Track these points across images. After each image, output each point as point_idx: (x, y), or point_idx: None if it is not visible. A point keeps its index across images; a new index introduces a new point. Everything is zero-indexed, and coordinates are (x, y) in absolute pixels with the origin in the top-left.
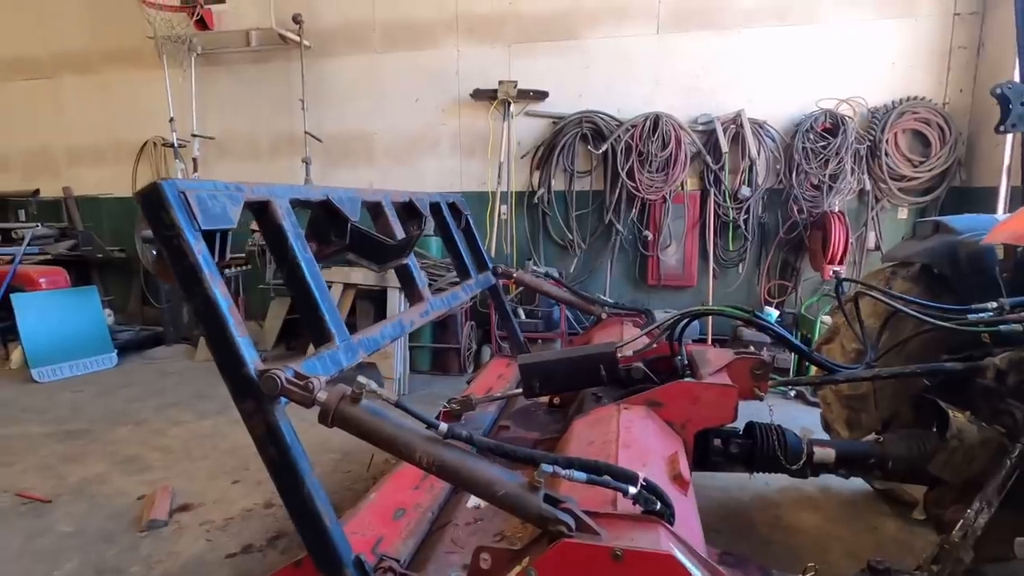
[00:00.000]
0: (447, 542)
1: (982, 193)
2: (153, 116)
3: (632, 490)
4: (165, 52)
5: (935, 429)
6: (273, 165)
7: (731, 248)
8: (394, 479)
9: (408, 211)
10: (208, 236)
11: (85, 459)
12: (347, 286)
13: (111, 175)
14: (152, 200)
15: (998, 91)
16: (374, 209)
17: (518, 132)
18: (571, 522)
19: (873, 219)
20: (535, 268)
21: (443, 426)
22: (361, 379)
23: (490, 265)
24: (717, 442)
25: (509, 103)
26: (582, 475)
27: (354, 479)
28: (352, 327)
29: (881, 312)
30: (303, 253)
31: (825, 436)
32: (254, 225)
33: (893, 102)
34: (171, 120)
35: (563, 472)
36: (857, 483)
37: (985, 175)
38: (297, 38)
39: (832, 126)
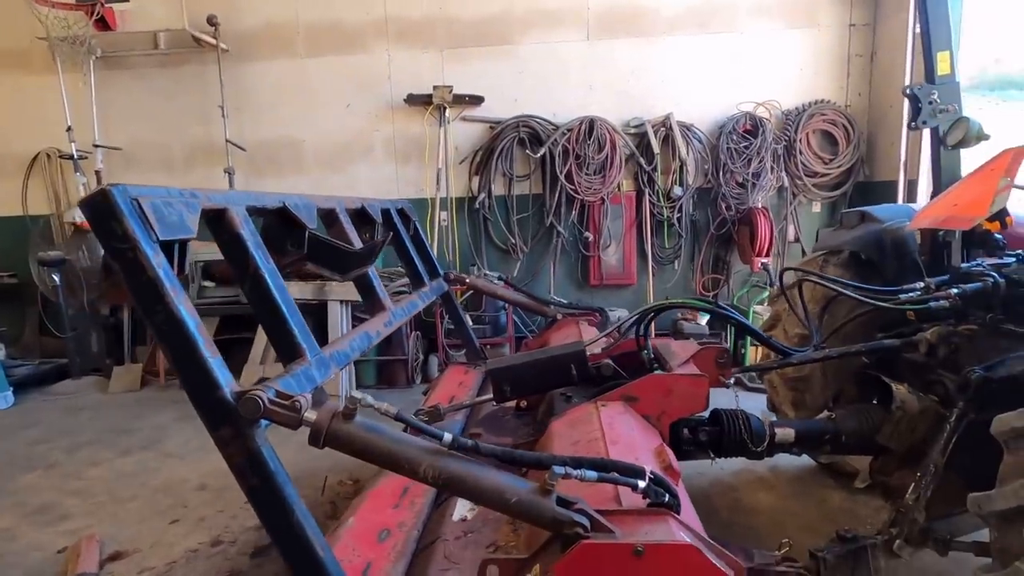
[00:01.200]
0: (440, 559)
1: (883, 187)
2: (46, 125)
3: (642, 484)
4: (59, 55)
5: (876, 403)
6: (190, 176)
7: (667, 246)
8: (371, 498)
9: (361, 218)
10: (166, 248)
11: None
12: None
13: None
14: (100, 209)
15: (908, 91)
16: (328, 216)
17: (455, 137)
18: (586, 523)
19: (792, 213)
20: (487, 273)
21: (447, 436)
22: (356, 393)
23: (441, 272)
24: (686, 431)
25: (445, 108)
26: (593, 474)
27: (310, 504)
28: None
29: (819, 297)
30: (265, 264)
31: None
32: None
33: (803, 105)
34: (69, 130)
35: (575, 472)
36: (803, 460)
37: (884, 170)
38: (213, 41)
39: (752, 127)
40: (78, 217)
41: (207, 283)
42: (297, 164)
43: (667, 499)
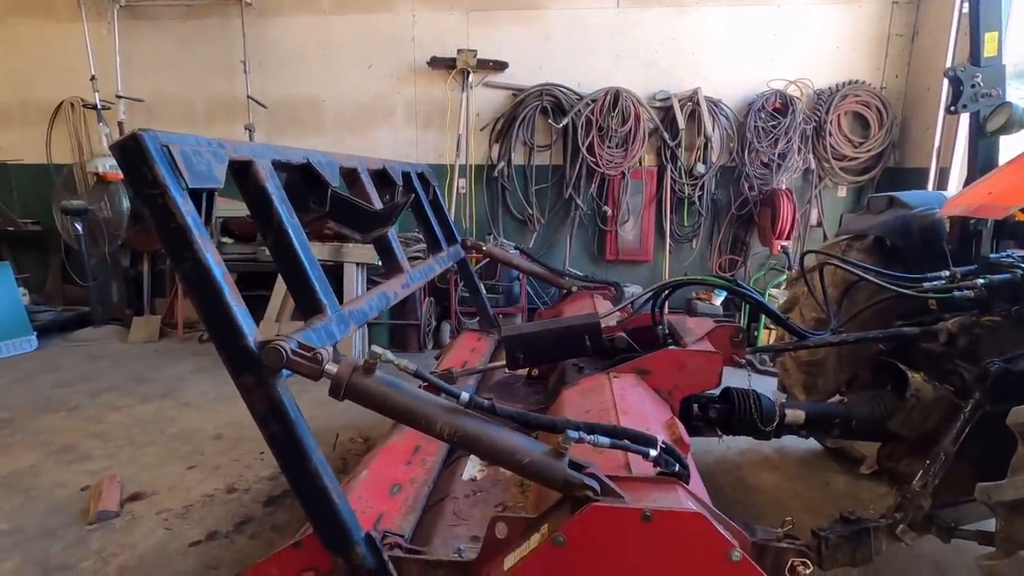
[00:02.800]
0: (449, 515)
1: (914, 174)
2: (70, 74)
3: (653, 452)
4: (84, 3)
5: (890, 389)
6: (211, 132)
7: (686, 224)
8: (383, 454)
9: (382, 179)
10: (194, 196)
11: (11, 450)
12: None
13: (21, 139)
14: (132, 153)
15: (951, 73)
16: (349, 175)
17: (477, 103)
18: (597, 487)
19: (816, 197)
20: (504, 242)
21: (464, 395)
22: (376, 349)
23: (459, 238)
24: (696, 407)
25: (468, 73)
26: (606, 440)
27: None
28: None
29: (839, 282)
30: (289, 218)
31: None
32: None
33: (837, 84)
34: (92, 79)
35: (588, 438)
36: (810, 443)
37: (916, 157)
38: None
39: (782, 106)
40: (101, 167)
41: (226, 239)
42: (317, 124)
43: (677, 468)
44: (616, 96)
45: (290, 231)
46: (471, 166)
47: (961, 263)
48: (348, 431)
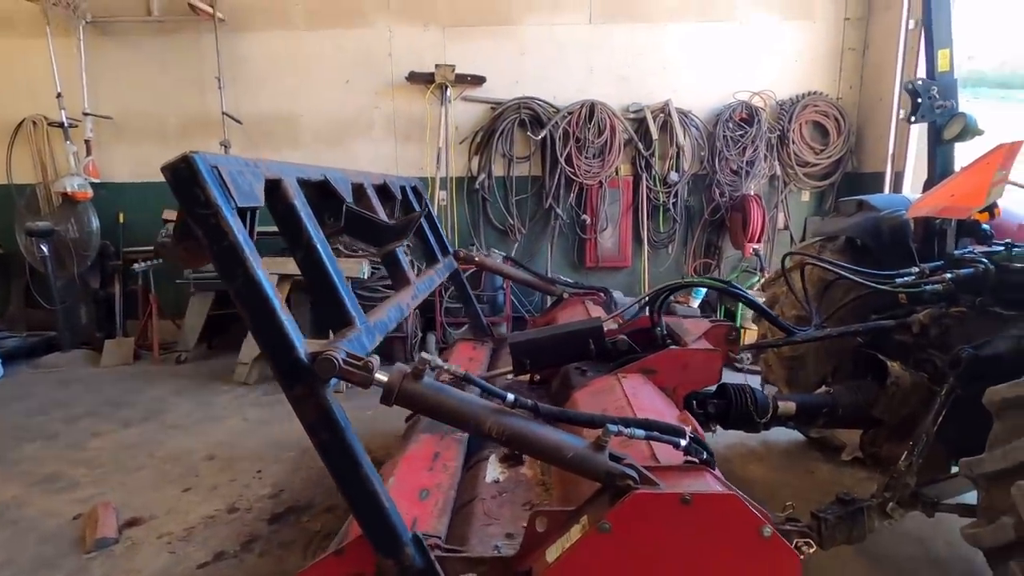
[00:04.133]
0: (480, 516)
1: (870, 178)
2: (31, 91)
3: (683, 442)
4: (49, 19)
5: (870, 379)
6: (184, 147)
7: (662, 230)
8: (405, 463)
9: (383, 193)
10: (240, 215)
11: None
12: (283, 277)
13: None
14: (184, 175)
15: (910, 86)
16: (357, 191)
17: (455, 117)
18: (636, 476)
19: (782, 201)
20: (495, 252)
21: (510, 396)
22: (424, 355)
23: (450, 250)
24: (695, 403)
25: (446, 87)
26: (641, 432)
27: (321, 475)
28: None
29: (816, 280)
30: (317, 234)
31: None
32: (166, 215)
33: (797, 95)
34: (59, 96)
35: (626, 431)
36: (793, 435)
37: (872, 162)
38: (209, 9)
39: (748, 116)
40: (69, 187)
41: None
42: (294, 140)
43: (705, 456)
44: (592, 108)
45: (319, 247)
46: (452, 179)
47: (925, 260)
48: None
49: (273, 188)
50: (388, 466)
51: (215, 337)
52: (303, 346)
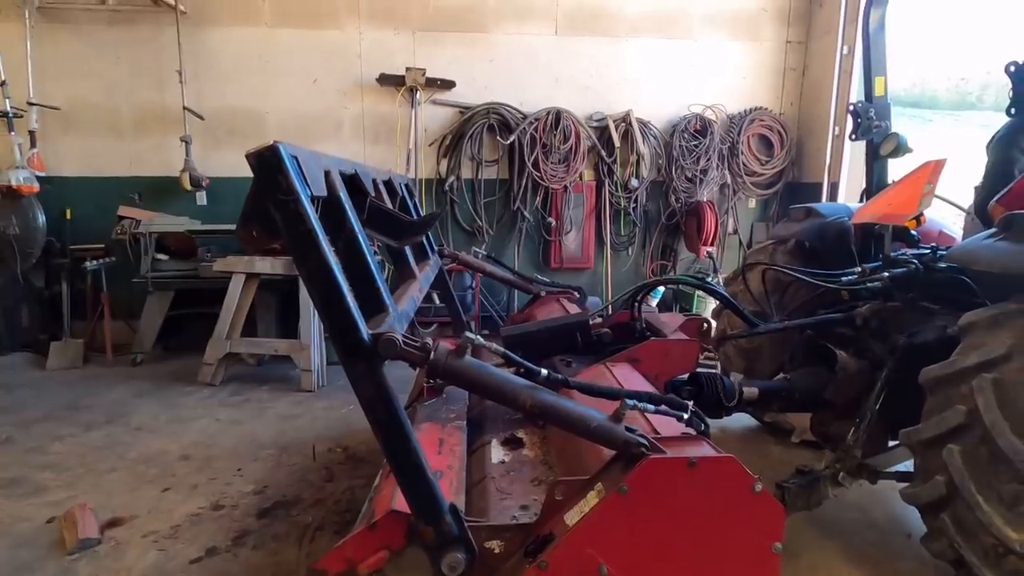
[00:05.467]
0: (494, 492)
1: (809, 187)
2: None
3: (686, 415)
4: None
5: (819, 367)
6: (141, 143)
7: (622, 233)
8: None
9: (389, 189)
10: (312, 202)
11: None
12: (250, 276)
13: None
14: (270, 163)
15: (851, 108)
16: (374, 187)
17: (425, 120)
18: (647, 444)
19: (732, 208)
20: (476, 251)
21: (543, 373)
22: (468, 334)
23: (435, 248)
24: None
25: (416, 90)
26: (651, 406)
27: (304, 470)
28: (252, 323)
29: (771, 280)
30: (358, 225)
31: None
32: (121, 210)
33: (745, 110)
34: (2, 84)
35: (641, 405)
36: (747, 421)
37: (811, 173)
38: (171, 1)
39: (701, 128)
40: (14, 180)
41: (160, 256)
42: (258, 136)
43: (702, 427)
44: (558, 116)
45: (360, 237)
46: (421, 180)
47: (864, 261)
48: (324, 442)
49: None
50: None
51: (171, 338)
52: (365, 327)
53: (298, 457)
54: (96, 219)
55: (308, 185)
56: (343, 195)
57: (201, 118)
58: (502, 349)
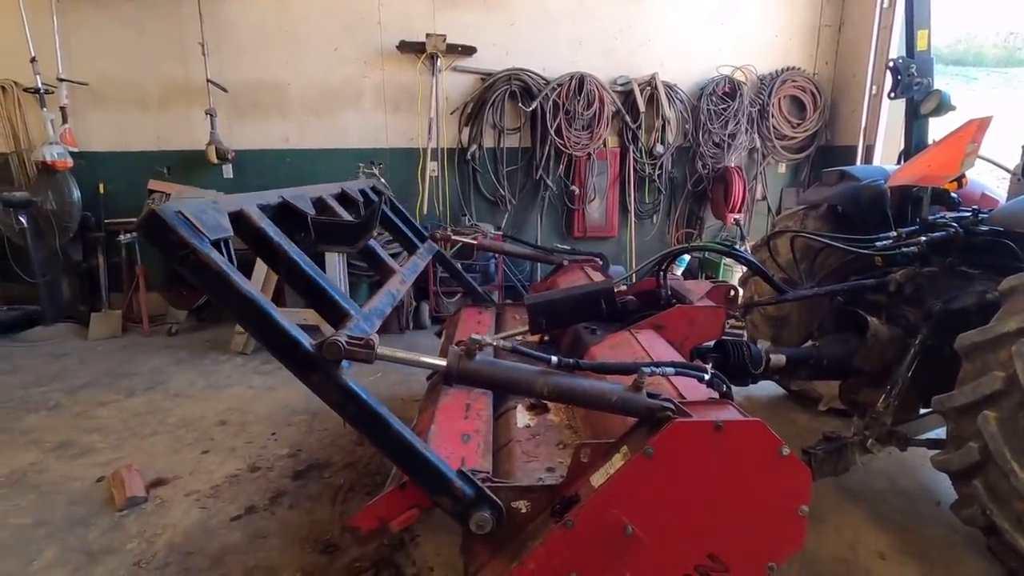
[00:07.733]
0: (519, 455)
1: (843, 151)
2: (1, 55)
3: (707, 376)
4: None
5: (849, 334)
6: (166, 116)
7: (647, 201)
8: (442, 413)
9: (343, 200)
10: (215, 246)
11: (2, 451)
12: None
13: None
14: (155, 227)
15: (891, 64)
16: (318, 203)
17: (446, 87)
18: (673, 407)
19: (760, 173)
20: (488, 230)
21: (554, 359)
22: (475, 336)
23: (427, 235)
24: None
25: (437, 57)
26: (671, 370)
27: (335, 435)
28: (281, 293)
29: (800, 247)
30: (291, 248)
31: None
32: (151, 184)
33: (777, 71)
34: (33, 61)
35: (658, 371)
36: (773, 389)
37: (845, 135)
38: None
39: (730, 90)
40: (48, 156)
41: None
42: (281, 108)
43: (725, 389)
44: (581, 81)
45: (296, 259)
46: (443, 149)
47: (900, 225)
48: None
49: (237, 219)
50: (426, 417)
51: (204, 309)
52: (307, 340)
53: (329, 423)
54: (128, 193)
55: (204, 233)
56: (264, 225)
57: (225, 90)
58: (510, 345)
